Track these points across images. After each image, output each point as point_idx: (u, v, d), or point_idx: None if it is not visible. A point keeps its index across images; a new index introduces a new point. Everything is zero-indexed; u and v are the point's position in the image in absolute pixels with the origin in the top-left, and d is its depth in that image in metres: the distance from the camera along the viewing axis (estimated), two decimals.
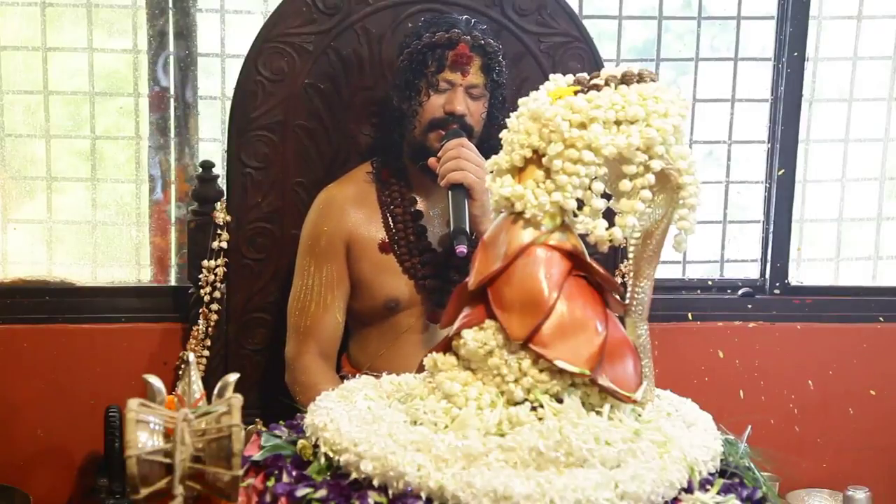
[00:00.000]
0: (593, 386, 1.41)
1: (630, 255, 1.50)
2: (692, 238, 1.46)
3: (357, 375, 1.69)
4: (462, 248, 2.04)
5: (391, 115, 2.33)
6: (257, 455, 1.43)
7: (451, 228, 2.10)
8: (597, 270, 1.46)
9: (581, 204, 1.44)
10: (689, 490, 1.35)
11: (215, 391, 1.35)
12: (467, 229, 2.09)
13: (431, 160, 2.21)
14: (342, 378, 2.27)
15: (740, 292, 2.93)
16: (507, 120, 1.50)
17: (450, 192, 2.14)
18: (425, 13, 2.43)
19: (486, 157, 2.15)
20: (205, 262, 2.50)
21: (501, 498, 1.24)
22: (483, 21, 2.35)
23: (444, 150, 2.18)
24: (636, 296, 1.49)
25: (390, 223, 2.32)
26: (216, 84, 2.77)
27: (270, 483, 1.38)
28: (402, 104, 2.28)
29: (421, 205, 2.34)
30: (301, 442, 1.42)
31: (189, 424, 1.25)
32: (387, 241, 2.31)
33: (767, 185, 2.93)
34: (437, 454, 1.30)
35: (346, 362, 2.41)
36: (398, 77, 2.30)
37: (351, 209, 2.32)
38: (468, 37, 2.22)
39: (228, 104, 2.58)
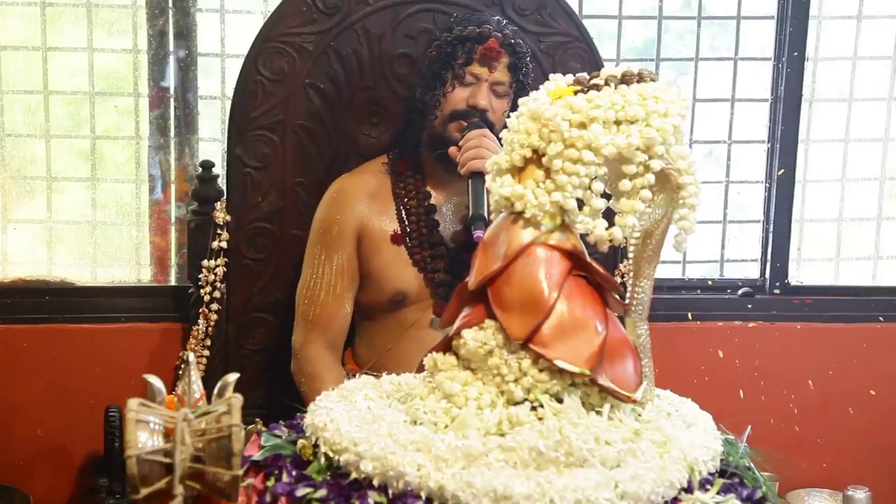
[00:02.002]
0: (593, 386, 1.41)
1: (630, 255, 1.50)
2: (692, 238, 1.46)
3: (359, 374, 1.69)
4: (479, 234, 2.05)
5: (412, 107, 2.34)
6: (257, 455, 1.43)
7: (470, 215, 2.11)
8: (597, 270, 1.46)
9: (581, 204, 1.44)
10: (689, 490, 1.35)
11: (215, 391, 1.35)
12: (486, 216, 2.10)
13: (452, 149, 2.22)
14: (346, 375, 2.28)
15: (740, 292, 2.93)
16: (507, 120, 1.51)
17: (469, 180, 2.16)
18: (425, 13, 2.43)
19: None
20: (205, 262, 2.50)
21: (501, 498, 1.24)
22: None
23: (465, 139, 2.19)
24: (636, 296, 1.49)
25: (403, 215, 2.33)
26: (216, 84, 2.77)
27: (270, 483, 1.38)
28: (425, 95, 2.29)
29: (435, 199, 2.34)
30: (301, 442, 1.42)
31: (189, 424, 1.25)
32: (399, 232, 2.32)
33: (767, 185, 2.93)
34: (437, 454, 1.30)
35: (350, 359, 2.41)
36: (424, 68, 2.32)
37: (364, 199, 2.33)
38: (499, 33, 2.24)
39: (228, 104, 2.58)
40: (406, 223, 2.32)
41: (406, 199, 2.33)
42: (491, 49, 2.23)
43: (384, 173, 2.37)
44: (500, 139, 2.16)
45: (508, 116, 2.22)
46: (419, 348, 2.26)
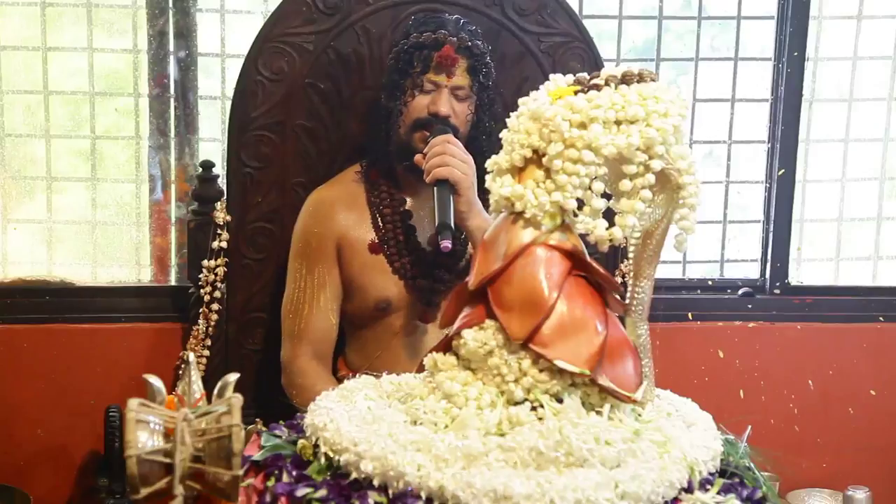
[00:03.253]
0: (593, 386, 1.41)
1: (630, 255, 1.50)
2: (692, 238, 1.46)
3: (357, 375, 1.69)
4: (447, 244, 2.04)
5: (379, 115, 2.33)
6: (257, 455, 1.43)
7: (436, 224, 2.10)
8: (597, 270, 1.46)
9: (581, 204, 1.44)
10: (689, 490, 1.35)
11: (215, 391, 1.35)
12: (452, 225, 2.09)
13: (418, 157, 2.21)
14: (339, 380, 2.27)
15: (740, 292, 2.93)
16: (506, 120, 1.50)
17: (435, 188, 2.14)
18: (425, 13, 2.43)
19: (472, 157, 2.16)
20: (205, 262, 2.50)
21: (501, 498, 1.24)
22: (478, 21, 2.35)
23: (429, 146, 2.18)
24: (636, 296, 1.49)
25: (379, 224, 2.32)
26: (216, 84, 2.77)
27: (270, 483, 1.38)
28: (388, 103, 2.28)
29: (410, 205, 2.34)
30: (301, 442, 1.42)
31: (189, 424, 1.25)
32: (376, 241, 2.31)
33: (767, 185, 2.93)
34: (437, 454, 1.30)
35: (343, 365, 2.41)
36: (385, 76, 2.31)
37: (340, 211, 2.32)
38: (454, 38, 2.21)
39: (228, 104, 2.58)
40: (383, 231, 2.31)
41: (381, 207, 2.32)
42: (446, 57, 2.20)
43: (358, 182, 2.36)
44: (464, 143, 2.17)
45: (484, 119, 2.25)
46: (410, 353, 2.28)
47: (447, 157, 2.14)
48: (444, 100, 2.23)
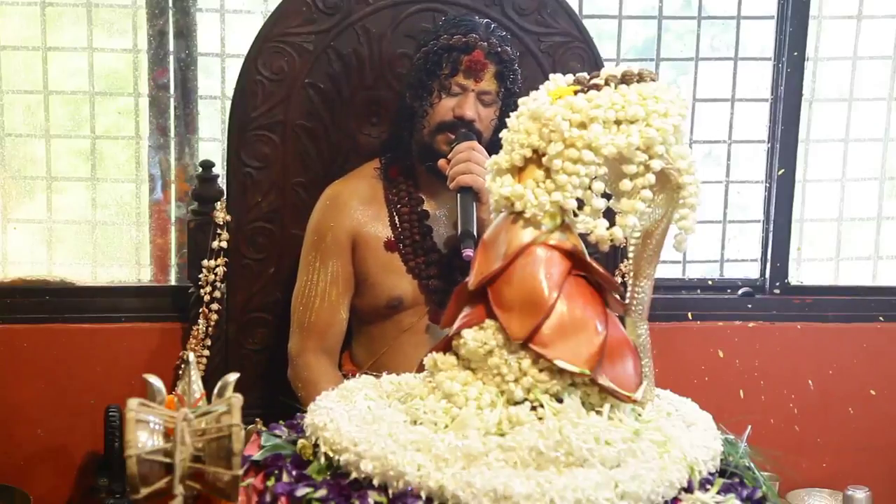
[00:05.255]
0: (593, 386, 1.41)
1: (630, 255, 1.50)
2: (692, 238, 1.46)
3: (357, 374, 1.69)
4: (468, 252, 2.04)
5: (402, 113, 2.33)
6: (257, 455, 1.43)
7: (459, 231, 2.10)
8: (597, 270, 1.46)
9: (581, 203, 1.44)
10: (689, 490, 1.35)
11: (215, 391, 1.35)
12: (474, 232, 2.09)
13: (441, 162, 2.21)
14: (344, 376, 2.27)
15: (740, 292, 2.93)
16: (507, 120, 1.51)
17: (458, 195, 2.14)
18: (425, 13, 2.43)
19: None
20: (205, 262, 2.50)
21: (501, 498, 1.24)
22: (501, 29, 2.34)
23: (454, 152, 2.18)
24: (636, 295, 1.49)
25: (396, 222, 2.32)
26: (216, 84, 2.77)
27: (270, 483, 1.38)
28: (413, 103, 2.28)
29: (427, 205, 2.34)
30: (301, 441, 1.42)
31: (189, 424, 1.25)
32: (392, 239, 2.31)
33: (767, 185, 2.93)
34: (437, 454, 1.30)
35: (348, 360, 2.41)
36: (412, 75, 2.30)
37: (357, 206, 2.32)
38: (485, 43, 2.21)
39: (228, 104, 2.58)
40: (399, 229, 2.31)
41: (399, 206, 2.32)
42: (475, 61, 2.20)
43: (377, 178, 2.36)
44: (486, 148, 2.17)
45: (495, 123, 2.25)
46: (416, 350, 2.27)
47: (471, 164, 2.14)
48: (470, 104, 2.22)
